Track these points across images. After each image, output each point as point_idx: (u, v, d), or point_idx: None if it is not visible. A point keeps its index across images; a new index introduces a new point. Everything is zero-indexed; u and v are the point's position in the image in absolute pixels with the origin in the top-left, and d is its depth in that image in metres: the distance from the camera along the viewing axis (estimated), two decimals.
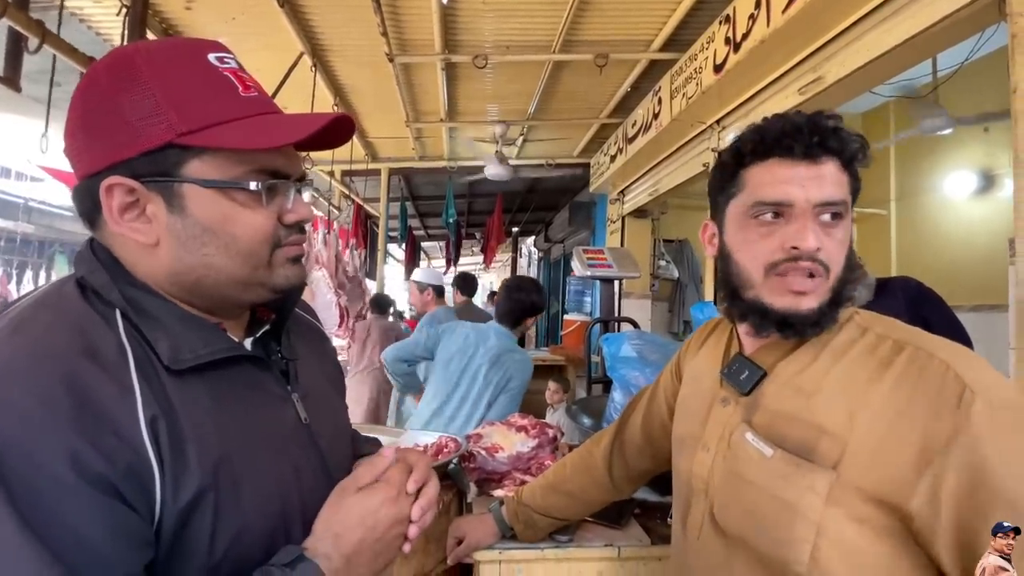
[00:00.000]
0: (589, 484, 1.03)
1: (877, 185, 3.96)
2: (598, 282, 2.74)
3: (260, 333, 0.60)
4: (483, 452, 1.34)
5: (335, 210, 5.60)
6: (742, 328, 0.73)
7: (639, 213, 4.41)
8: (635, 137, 3.56)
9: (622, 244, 4.46)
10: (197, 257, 0.51)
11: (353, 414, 0.81)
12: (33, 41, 1.69)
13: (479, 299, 4.03)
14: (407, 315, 7.23)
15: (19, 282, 9.23)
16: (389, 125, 4.27)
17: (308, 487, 0.56)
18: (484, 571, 1.05)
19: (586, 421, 1.73)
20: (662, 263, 4.73)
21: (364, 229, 6.05)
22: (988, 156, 3.35)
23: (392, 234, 6.37)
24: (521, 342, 2.24)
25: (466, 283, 3.77)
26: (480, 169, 4.47)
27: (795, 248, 0.63)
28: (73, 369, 0.44)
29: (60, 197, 9.19)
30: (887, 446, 0.56)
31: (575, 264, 2.68)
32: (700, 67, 2.56)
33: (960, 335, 1.68)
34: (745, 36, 2.15)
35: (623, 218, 4.50)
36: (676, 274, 4.84)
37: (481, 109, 4.03)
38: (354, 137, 0.62)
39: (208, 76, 0.51)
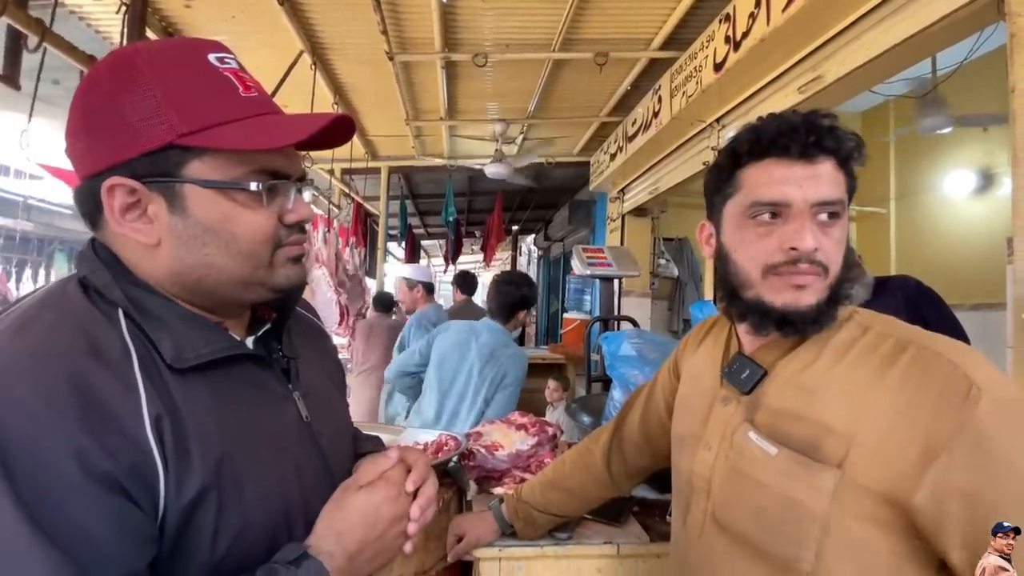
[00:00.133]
0: (588, 481, 1.03)
1: (877, 184, 3.96)
2: (598, 281, 2.75)
3: (261, 332, 0.61)
4: (483, 450, 1.34)
5: (335, 208, 5.60)
6: (742, 327, 0.73)
7: (639, 211, 4.41)
8: (635, 135, 3.56)
9: (622, 242, 4.47)
10: (198, 257, 0.52)
11: (355, 413, 0.82)
12: (33, 39, 1.69)
13: (479, 297, 4.01)
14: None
15: (18, 280, 9.22)
16: (389, 123, 4.27)
17: (309, 485, 0.57)
18: (484, 568, 1.05)
19: (585, 419, 1.74)
20: (662, 261, 4.73)
21: (364, 227, 6.05)
22: (987, 155, 3.35)
23: (392, 232, 6.37)
24: (521, 340, 2.25)
25: (466, 281, 3.77)
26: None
27: (794, 249, 0.63)
28: (78, 368, 0.44)
29: (59, 195, 9.19)
30: (892, 443, 0.56)
31: (575, 263, 2.68)
32: (700, 66, 2.56)
33: (958, 334, 1.68)
34: (745, 35, 2.15)
35: (623, 216, 4.50)
36: (676, 272, 4.84)
37: (481, 107, 4.03)
38: (354, 135, 0.62)
39: (209, 77, 0.52)
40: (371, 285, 5.35)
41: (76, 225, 10.30)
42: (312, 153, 3.97)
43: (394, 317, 4.19)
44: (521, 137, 4.66)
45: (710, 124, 2.86)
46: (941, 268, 3.37)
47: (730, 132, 2.72)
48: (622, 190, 4.44)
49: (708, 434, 0.73)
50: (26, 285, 9.18)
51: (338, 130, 0.57)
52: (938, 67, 2.92)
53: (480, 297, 3.92)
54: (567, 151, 5.01)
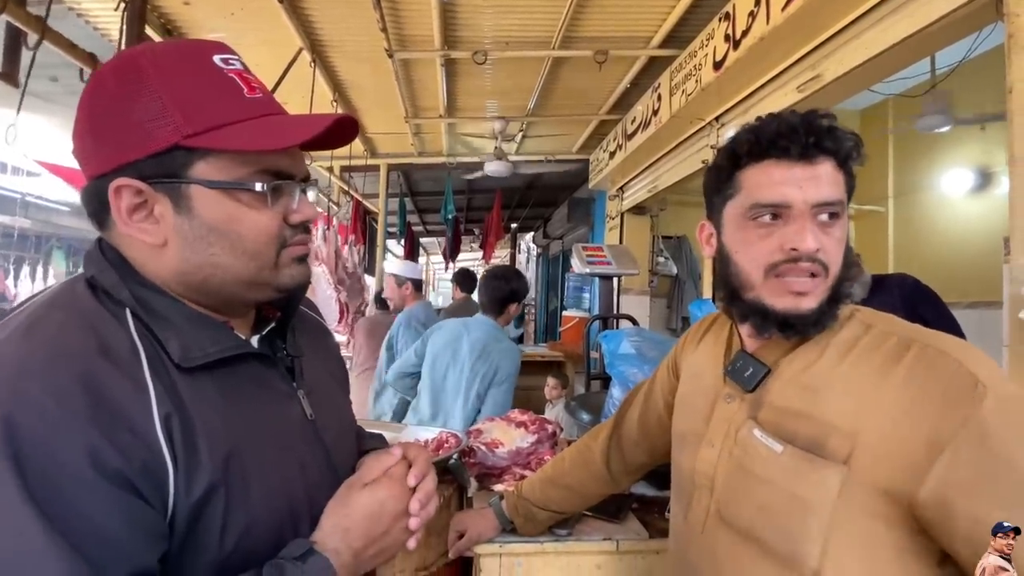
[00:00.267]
0: (587, 478, 1.04)
1: (875, 182, 3.97)
2: (597, 279, 2.76)
3: (266, 331, 0.61)
4: (483, 447, 1.35)
5: (334, 206, 5.59)
6: (743, 328, 0.74)
7: (638, 209, 4.42)
8: (634, 134, 3.57)
9: (621, 240, 4.47)
10: (204, 257, 0.52)
11: (357, 412, 0.83)
12: (33, 37, 1.69)
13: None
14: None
15: (16, 277, 9.20)
16: (388, 121, 4.27)
17: (314, 482, 0.57)
18: (485, 564, 1.06)
19: (585, 417, 1.75)
20: (660, 259, 4.74)
21: (363, 225, 6.05)
22: (985, 154, 3.36)
23: (391, 230, 6.37)
24: (520, 339, 2.26)
25: (466, 279, 3.77)
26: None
27: (794, 249, 0.63)
28: (89, 368, 0.45)
29: (57, 192, 9.16)
30: (897, 439, 0.57)
31: (574, 261, 2.69)
32: (700, 64, 2.57)
33: (955, 332, 1.69)
34: (745, 33, 2.16)
35: (622, 214, 4.51)
36: (674, 270, 4.85)
37: (480, 105, 4.03)
38: (357, 137, 0.62)
39: (214, 78, 0.52)
40: (370, 283, 5.35)
41: (74, 222, 10.28)
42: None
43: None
44: (521, 135, 4.66)
45: (709, 122, 2.86)
46: (938, 266, 3.38)
47: (729, 130, 2.73)
48: (621, 188, 4.45)
49: (711, 432, 0.74)
50: (24, 282, 9.17)
51: (341, 130, 0.58)
52: (937, 66, 2.93)
53: None
54: (566, 149, 5.01)
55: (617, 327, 2.43)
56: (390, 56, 3.06)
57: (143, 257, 0.53)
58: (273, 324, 0.62)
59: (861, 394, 0.61)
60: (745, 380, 0.70)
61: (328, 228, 4.42)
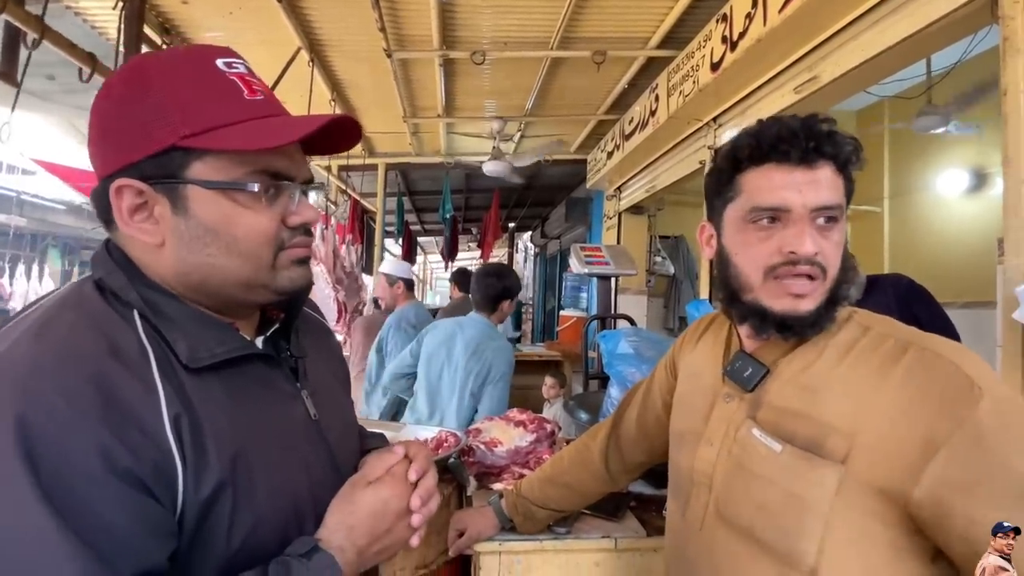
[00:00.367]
0: (586, 477, 1.05)
1: (871, 182, 3.99)
2: (595, 278, 2.77)
3: (270, 332, 0.62)
4: (482, 446, 1.36)
5: (332, 205, 5.59)
6: (742, 328, 0.75)
7: (635, 209, 4.43)
8: (632, 134, 3.58)
9: (618, 240, 4.49)
10: (200, 257, 0.53)
11: (356, 411, 0.83)
12: (32, 36, 1.69)
13: None
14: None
15: (12, 276, 9.16)
16: (386, 120, 4.27)
17: (317, 481, 0.58)
18: (484, 562, 1.07)
19: (583, 416, 1.76)
20: (658, 259, 4.76)
21: (361, 224, 6.04)
22: (980, 155, 3.38)
23: (389, 229, 6.36)
24: (519, 340, 2.26)
25: (464, 278, 3.77)
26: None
27: (793, 253, 0.65)
28: (99, 369, 0.45)
29: (53, 191, 9.12)
30: (894, 439, 0.58)
31: (573, 261, 2.70)
32: (697, 65, 2.58)
33: (949, 332, 1.71)
34: (742, 35, 2.17)
35: (619, 214, 4.52)
36: (672, 270, 4.86)
37: (478, 105, 4.04)
38: (360, 140, 0.63)
39: (214, 81, 0.53)
40: (368, 282, 5.35)
41: (69, 221, 10.23)
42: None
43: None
44: (519, 135, 4.66)
45: (707, 123, 2.87)
46: (934, 266, 3.40)
47: (727, 131, 2.74)
48: (619, 188, 4.46)
49: (710, 431, 0.75)
50: (19, 281, 9.13)
51: (344, 133, 0.58)
52: (932, 68, 2.95)
53: None
54: (564, 148, 5.02)
55: (615, 327, 2.44)
56: (388, 56, 3.06)
57: (145, 257, 0.54)
58: (277, 325, 0.62)
59: (859, 395, 0.62)
60: (744, 380, 0.71)
61: (326, 227, 4.42)
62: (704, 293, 2.97)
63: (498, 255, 11.42)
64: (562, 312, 5.11)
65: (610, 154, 4.11)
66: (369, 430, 0.81)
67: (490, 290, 2.10)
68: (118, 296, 0.52)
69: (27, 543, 0.40)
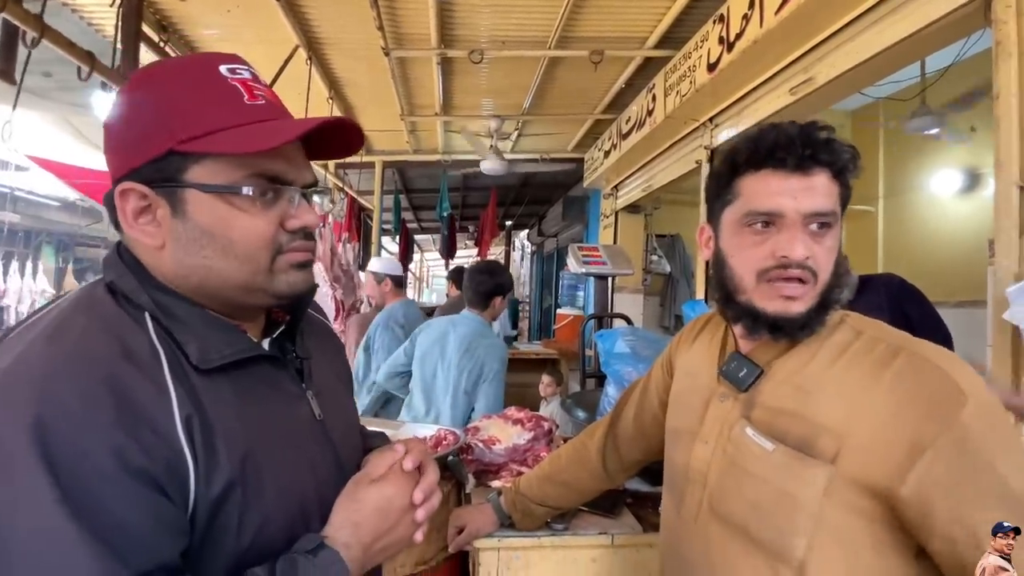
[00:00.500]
0: (584, 475, 1.06)
1: (865, 182, 4.01)
2: (592, 277, 2.79)
3: (276, 334, 0.63)
4: (481, 444, 1.37)
5: (329, 203, 5.58)
6: (737, 329, 0.77)
7: (632, 208, 4.45)
8: (629, 133, 3.59)
9: (615, 239, 4.51)
10: (197, 259, 0.53)
11: None
12: (31, 35, 1.68)
13: None
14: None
15: (5, 273, 9.10)
16: (384, 118, 4.27)
17: (323, 480, 0.59)
18: (483, 558, 1.09)
19: (580, 414, 1.78)
20: (654, 258, 4.78)
21: (358, 222, 6.04)
22: (974, 156, 3.41)
23: (386, 227, 6.36)
24: (515, 339, 2.27)
25: (461, 276, 3.77)
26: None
27: (784, 257, 0.66)
28: (113, 371, 0.46)
29: (47, 187, 9.07)
30: (883, 440, 0.60)
31: (570, 261, 2.72)
32: (694, 65, 2.59)
33: (941, 331, 1.73)
34: (739, 36, 2.18)
35: (616, 213, 4.54)
36: (668, 269, 4.89)
37: (476, 103, 4.04)
38: (363, 146, 0.63)
39: (215, 86, 0.54)
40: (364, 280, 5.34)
41: (63, 217, 10.17)
42: None
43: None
44: (516, 133, 4.67)
45: (703, 123, 2.89)
46: (927, 266, 3.43)
47: (723, 131, 2.76)
48: (616, 187, 4.48)
49: (705, 429, 0.76)
50: (13, 278, 9.07)
51: (345, 137, 0.59)
52: (927, 70, 2.97)
53: None
54: (561, 147, 5.03)
55: (611, 326, 2.46)
56: (387, 54, 3.07)
57: (149, 259, 0.55)
58: (283, 327, 0.63)
59: (851, 396, 0.64)
60: (739, 380, 0.73)
61: (323, 225, 4.41)
62: (700, 291, 2.99)
63: (495, 253, 11.43)
64: (559, 310, 5.13)
65: (607, 153, 4.12)
66: (369, 429, 0.82)
67: (482, 287, 2.12)
68: (130, 299, 0.53)
69: (45, 542, 0.41)
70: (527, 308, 9.34)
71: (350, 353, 3.98)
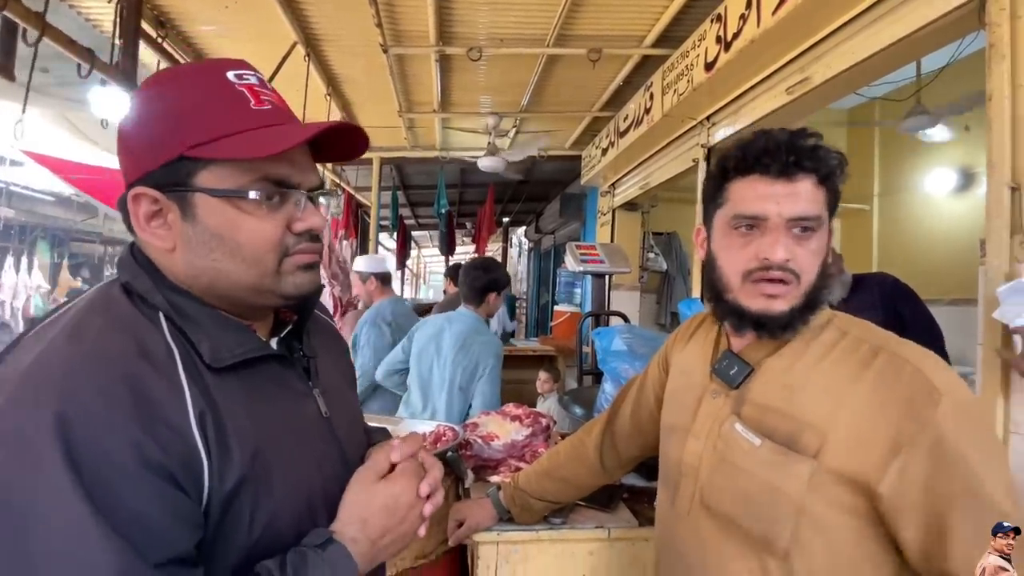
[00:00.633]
0: (582, 471, 1.09)
1: (861, 181, 4.04)
2: (589, 276, 2.80)
3: (284, 333, 0.64)
4: (479, 440, 1.39)
5: (334, 205, 5.58)
6: (727, 327, 0.80)
7: (629, 206, 4.46)
8: (627, 131, 3.60)
9: (612, 236, 4.52)
10: (207, 262, 0.55)
11: None
12: (32, 33, 1.68)
13: None
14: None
15: (0, 268, 9.06)
16: (382, 115, 4.27)
17: (329, 476, 0.61)
18: (483, 551, 1.11)
19: (578, 411, 1.80)
20: (651, 255, 4.80)
21: (355, 219, 6.04)
22: (968, 155, 3.44)
23: (383, 223, 6.36)
24: (513, 334, 2.29)
25: (459, 273, 3.78)
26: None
27: (766, 259, 0.70)
28: (130, 370, 0.48)
29: (42, 182, 9.02)
30: (864, 437, 0.63)
31: (568, 259, 2.73)
32: (691, 64, 2.60)
33: (933, 330, 1.76)
34: (736, 36, 2.20)
35: (613, 210, 4.55)
36: (664, 266, 4.91)
37: (474, 100, 4.04)
38: (367, 150, 0.65)
39: (223, 92, 0.55)
40: None
41: (58, 212, 10.12)
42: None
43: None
44: (514, 130, 4.67)
45: (700, 122, 2.90)
46: (921, 264, 3.47)
47: (720, 130, 2.77)
48: (613, 184, 4.49)
49: (697, 425, 0.79)
50: (8, 273, 9.04)
51: (351, 140, 0.61)
52: (922, 71, 2.99)
53: None
54: (559, 145, 5.04)
55: (608, 324, 2.47)
56: (385, 51, 3.06)
57: (161, 261, 0.56)
58: (290, 327, 0.65)
59: (835, 395, 0.67)
60: (730, 378, 0.76)
61: None
62: (696, 289, 3.01)
63: (492, 250, 11.43)
64: (556, 307, 5.15)
65: (605, 151, 4.13)
66: (370, 425, 0.84)
67: (476, 283, 2.13)
68: (144, 299, 0.54)
69: (70, 538, 0.43)
70: (524, 304, 9.36)
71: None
